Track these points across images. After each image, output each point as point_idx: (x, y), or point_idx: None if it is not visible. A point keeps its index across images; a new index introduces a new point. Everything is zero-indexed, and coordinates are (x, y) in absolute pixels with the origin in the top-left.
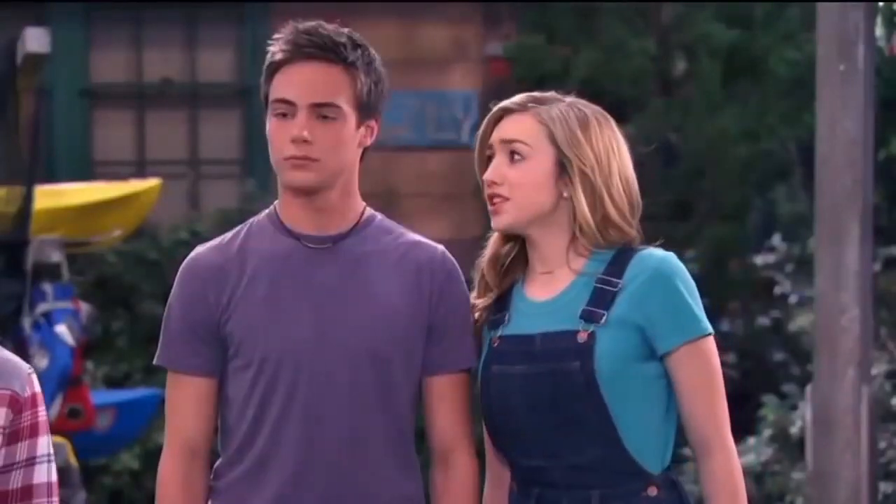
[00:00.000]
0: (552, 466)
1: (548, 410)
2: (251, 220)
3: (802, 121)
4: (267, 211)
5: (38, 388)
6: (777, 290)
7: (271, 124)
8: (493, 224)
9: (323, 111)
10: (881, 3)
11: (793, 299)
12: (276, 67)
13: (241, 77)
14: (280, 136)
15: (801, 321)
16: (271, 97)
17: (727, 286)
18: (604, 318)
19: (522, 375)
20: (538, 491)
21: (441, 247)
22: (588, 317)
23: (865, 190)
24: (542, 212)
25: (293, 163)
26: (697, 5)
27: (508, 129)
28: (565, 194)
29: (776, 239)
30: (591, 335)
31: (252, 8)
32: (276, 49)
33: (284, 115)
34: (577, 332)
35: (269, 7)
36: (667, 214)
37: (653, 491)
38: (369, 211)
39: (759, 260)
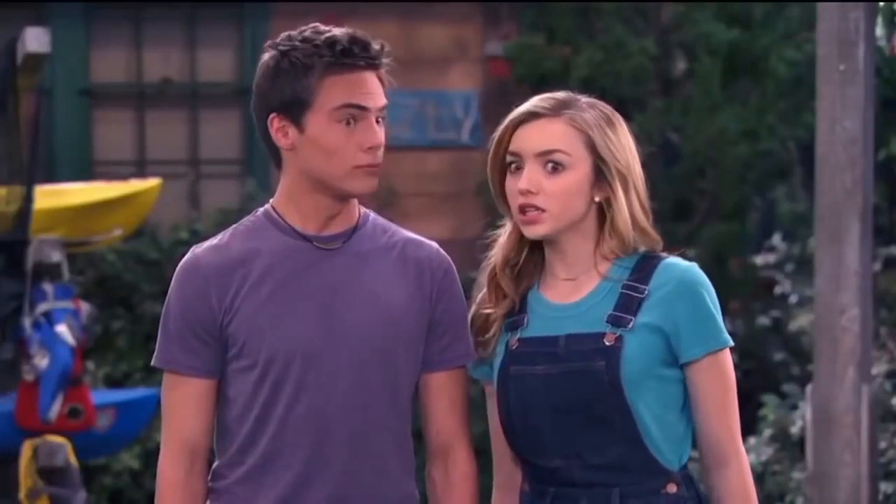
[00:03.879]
0: (572, 466)
1: (570, 411)
2: (244, 220)
3: (802, 121)
4: (262, 210)
5: None
6: (777, 290)
7: (336, 131)
8: (526, 233)
9: (382, 115)
10: (881, 3)
11: (793, 299)
12: (327, 72)
13: (241, 77)
14: (349, 143)
15: (801, 321)
16: (331, 103)
17: (727, 286)
18: (631, 323)
19: (545, 376)
20: (554, 490)
21: (435, 244)
22: (615, 321)
23: (865, 190)
24: (577, 219)
25: (367, 170)
26: (697, 5)
27: (543, 137)
28: (597, 198)
29: (776, 239)
30: (619, 339)
31: (252, 8)
32: (325, 54)
33: (351, 121)
34: (604, 334)
35: (269, 7)
36: (667, 214)
37: (672, 488)
38: (363, 209)
39: (759, 260)
